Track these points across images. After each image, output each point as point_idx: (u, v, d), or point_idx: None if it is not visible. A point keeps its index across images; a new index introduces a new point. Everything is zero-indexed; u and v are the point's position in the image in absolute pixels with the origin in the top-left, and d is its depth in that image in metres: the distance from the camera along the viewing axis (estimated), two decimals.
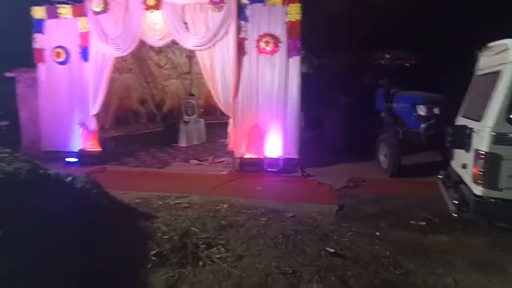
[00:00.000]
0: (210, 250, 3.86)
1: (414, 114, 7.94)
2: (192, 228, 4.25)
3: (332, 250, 3.95)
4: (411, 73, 9.27)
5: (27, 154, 4.85)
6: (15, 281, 2.86)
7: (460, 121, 5.20)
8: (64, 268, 3.04)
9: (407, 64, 9.14)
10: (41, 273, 2.90)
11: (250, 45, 8.24)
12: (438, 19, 11.62)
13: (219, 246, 3.94)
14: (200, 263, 3.66)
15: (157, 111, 12.31)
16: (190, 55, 12.35)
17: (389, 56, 8.52)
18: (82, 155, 8.88)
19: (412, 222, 5.23)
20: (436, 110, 7.75)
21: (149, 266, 3.55)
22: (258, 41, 8.18)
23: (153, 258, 3.64)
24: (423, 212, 5.50)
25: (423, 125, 7.63)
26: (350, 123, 9.44)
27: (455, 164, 5.14)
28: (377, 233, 4.71)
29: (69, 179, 4.36)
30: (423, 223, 5.17)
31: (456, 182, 4.79)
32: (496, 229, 4.64)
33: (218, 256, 3.77)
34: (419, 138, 7.70)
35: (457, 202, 4.39)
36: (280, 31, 8.10)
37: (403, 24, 11.85)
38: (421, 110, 7.86)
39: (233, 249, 3.92)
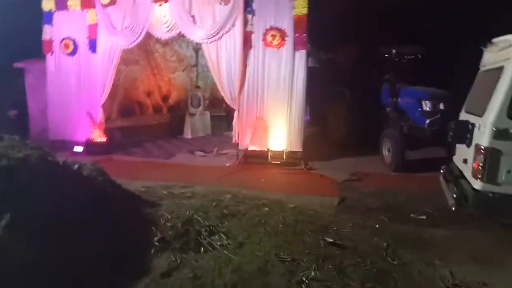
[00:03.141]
0: (212, 237, 3.96)
1: (419, 109, 7.95)
2: (195, 216, 4.33)
3: (331, 240, 4.03)
4: (417, 68, 9.26)
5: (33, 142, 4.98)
6: (23, 263, 2.97)
7: (463, 116, 5.22)
8: (71, 251, 3.14)
9: (413, 58, 9.14)
10: (48, 255, 3.00)
11: (256, 39, 8.29)
12: (447, 13, 11.55)
13: (221, 234, 4.03)
14: (202, 249, 3.76)
15: (163, 103, 12.43)
16: (197, 48, 12.42)
17: (395, 51, 8.50)
18: (88, 144, 9.03)
19: (412, 215, 5.29)
20: (441, 106, 7.76)
21: (153, 251, 3.66)
22: (265, 34, 8.22)
23: (157, 243, 3.75)
24: (424, 207, 5.53)
25: (427, 120, 7.64)
26: (355, 117, 9.46)
27: (457, 159, 5.17)
28: (377, 226, 4.78)
29: (76, 166, 4.46)
30: (424, 217, 5.22)
31: (457, 177, 4.83)
32: (497, 224, 4.69)
33: (219, 243, 3.87)
34: (424, 133, 7.72)
35: (456, 196, 4.44)
36: (287, 25, 8.14)
37: (410, 18, 11.82)
38: (426, 105, 7.87)
39: (234, 237, 4.01)
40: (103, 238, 3.41)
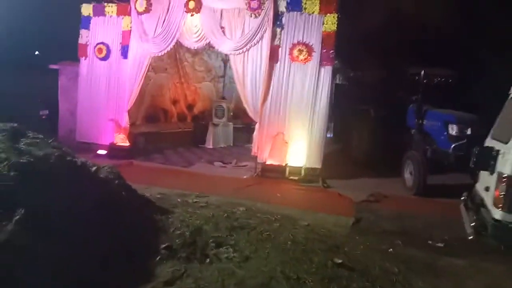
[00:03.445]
0: (219, 249, 3.93)
1: (445, 133, 7.74)
2: (204, 226, 4.33)
3: (340, 261, 3.92)
4: (446, 91, 9.04)
5: (59, 142, 5.15)
6: (33, 258, 3.05)
7: (489, 142, 5.03)
8: (76, 251, 3.20)
9: (443, 81, 8.92)
10: (53, 253, 3.06)
11: (283, 53, 8.33)
12: (480, 38, 11.29)
13: (228, 246, 4.00)
14: (207, 260, 3.73)
15: (188, 112, 12.62)
16: (226, 59, 12.60)
17: (424, 72, 8.34)
18: (112, 148, 9.25)
19: (430, 242, 5.11)
20: (468, 131, 7.52)
21: (158, 258, 3.67)
22: (292, 49, 8.26)
23: (163, 250, 3.76)
24: (443, 234, 5.36)
25: (453, 145, 7.41)
26: (378, 137, 9.29)
27: (479, 186, 4.97)
28: (390, 250, 4.64)
29: (94, 168, 4.57)
30: (441, 245, 5.04)
31: (478, 205, 4.63)
32: None
33: (225, 255, 3.84)
34: (448, 157, 7.48)
35: (474, 225, 4.25)
36: (315, 40, 8.14)
37: (443, 40, 11.61)
38: (453, 130, 7.65)
39: (241, 250, 3.97)
40: (110, 241, 3.45)
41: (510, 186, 3.75)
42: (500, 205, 3.83)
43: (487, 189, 4.43)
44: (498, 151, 4.30)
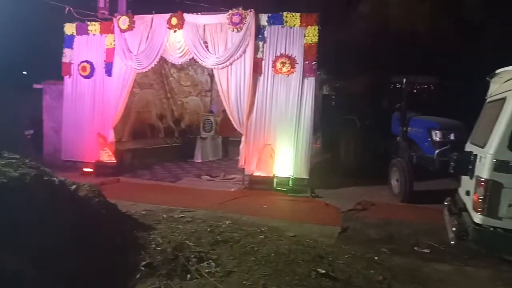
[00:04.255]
0: (201, 264, 3.88)
1: (429, 139, 7.82)
2: (187, 241, 4.28)
3: (323, 271, 3.89)
4: (429, 98, 9.15)
5: (42, 162, 5.10)
6: (8, 276, 2.98)
7: (468, 147, 5.09)
8: (56, 267, 3.14)
9: (426, 88, 9.05)
10: (33, 271, 3.00)
11: (266, 65, 8.40)
12: (461, 44, 11.48)
13: (210, 261, 3.95)
14: (188, 276, 3.68)
15: (175, 127, 12.59)
16: (212, 74, 12.62)
17: (406, 80, 8.44)
18: (98, 166, 9.16)
19: (416, 248, 5.10)
20: (452, 136, 7.62)
21: (138, 275, 3.60)
22: (275, 61, 8.33)
23: (143, 268, 3.70)
24: (429, 240, 5.34)
25: (437, 151, 7.46)
26: (365, 146, 9.34)
27: (461, 191, 5.00)
28: (376, 258, 4.60)
29: (73, 187, 4.52)
30: (428, 251, 5.03)
31: (460, 210, 4.65)
32: (502, 261, 4.45)
33: (207, 270, 3.78)
34: (433, 164, 7.52)
35: (455, 230, 4.26)
36: (297, 52, 8.23)
37: (424, 49, 11.79)
38: (436, 136, 7.75)
39: (223, 265, 3.92)
40: (88, 260, 3.39)
41: (488, 190, 3.78)
42: (480, 209, 3.85)
43: (467, 193, 4.46)
44: (476, 155, 4.35)
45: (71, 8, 9.59)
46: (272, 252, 4.28)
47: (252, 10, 8.29)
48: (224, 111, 10.58)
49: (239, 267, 3.92)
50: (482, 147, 4.17)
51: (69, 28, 9.85)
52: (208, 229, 4.85)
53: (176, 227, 4.95)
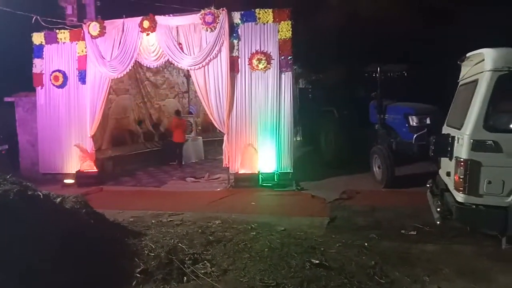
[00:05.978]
0: (196, 265, 3.90)
1: (406, 124, 8.02)
2: (179, 244, 4.29)
3: (317, 262, 3.97)
4: (403, 85, 9.37)
5: (20, 177, 4.98)
6: None
7: (445, 130, 5.26)
8: (45, 281, 3.10)
9: (399, 76, 9.27)
10: (21, 286, 2.96)
11: (243, 63, 8.41)
12: (432, 30, 11.76)
13: (205, 261, 3.98)
14: (185, 278, 3.70)
15: (155, 131, 12.45)
16: (188, 75, 12.57)
17: (380, 69, 8.62)
18: (79, 176, 8.98)
19: (403, 232, 5.25)
20: (428, 120, 7.83)
21: (134, 283, 3.59)
22: (251, 59, 8.35)
23: (138, 275, 3.68)
24: (415, 222, 5.51)
25: (415, 136, 7.66)
26: (344, 136, 9.50)
27: (442, 173, 5.17)
28: (366, 244, 4.72)
29: (58, 199, 4.44)
30: (414, 233, 5.19)
31: (442, 190, 4.81)
32: (484, 237, 4.64)
33: (203, 271, 3.81)
34: (412, 148, 7.73)
35: (440, 210, 4.42)
36: (272, 48, 8.28)
37: (396, 36, 12.03)
38: (413, 121, 7.94)
39: (219, 264, 3.95)
40: (81, 271, 3.36)
41: (468, 169, 3.93)
42: (461, 188, 4.00)
43: (448, 174, 4.62)
44: (453, 137, 4.50)
45: (38, 17, 9.32)
46: (265, 247, 4.35)
47: (224, 9, 8.29)
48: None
49: (235, 265, 3.97)
50: (459, 129, 4.32)
51: (37, 38, 9.58)
52: (199, 230, 4.86)
53: (166, 231, 4.94)
